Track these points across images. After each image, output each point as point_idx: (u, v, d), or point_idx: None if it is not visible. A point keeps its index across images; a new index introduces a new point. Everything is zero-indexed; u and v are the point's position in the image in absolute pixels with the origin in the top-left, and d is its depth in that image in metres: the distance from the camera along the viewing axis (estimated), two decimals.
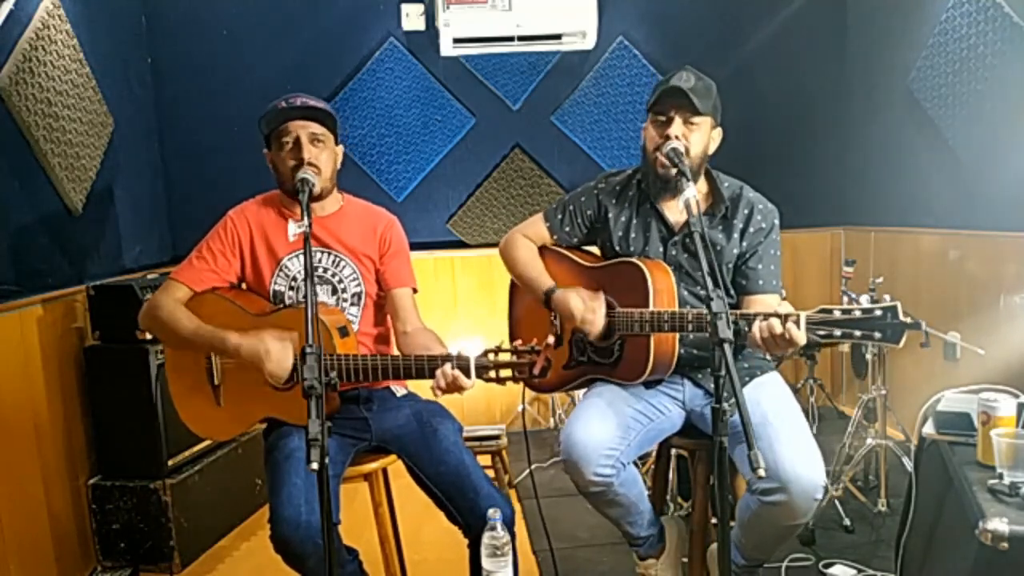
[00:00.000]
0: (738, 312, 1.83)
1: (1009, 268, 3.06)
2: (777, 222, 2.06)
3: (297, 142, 1.97)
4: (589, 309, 1.98)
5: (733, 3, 4.08)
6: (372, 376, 1.86)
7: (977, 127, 3.21)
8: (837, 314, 1.70)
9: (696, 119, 1.95)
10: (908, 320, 1.66)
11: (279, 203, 2.12)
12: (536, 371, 1.76)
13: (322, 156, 2.00)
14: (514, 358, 1.77)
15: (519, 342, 1.80)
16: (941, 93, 3.41)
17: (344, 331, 1.96)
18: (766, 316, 1.76)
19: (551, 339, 1.78)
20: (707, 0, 4.06)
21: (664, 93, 1.95)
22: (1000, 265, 3.11)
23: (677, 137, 1.93)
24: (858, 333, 1.68)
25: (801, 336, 1.71)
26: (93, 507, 2.82)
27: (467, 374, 1.77)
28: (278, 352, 1.86)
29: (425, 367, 1.81)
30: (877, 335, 1.67)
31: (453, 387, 1.78)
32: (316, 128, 2.00)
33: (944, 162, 3.42)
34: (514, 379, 1.79)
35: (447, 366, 1.77)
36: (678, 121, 1.95)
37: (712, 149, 2.04)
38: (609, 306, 2.05)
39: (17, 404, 2.51)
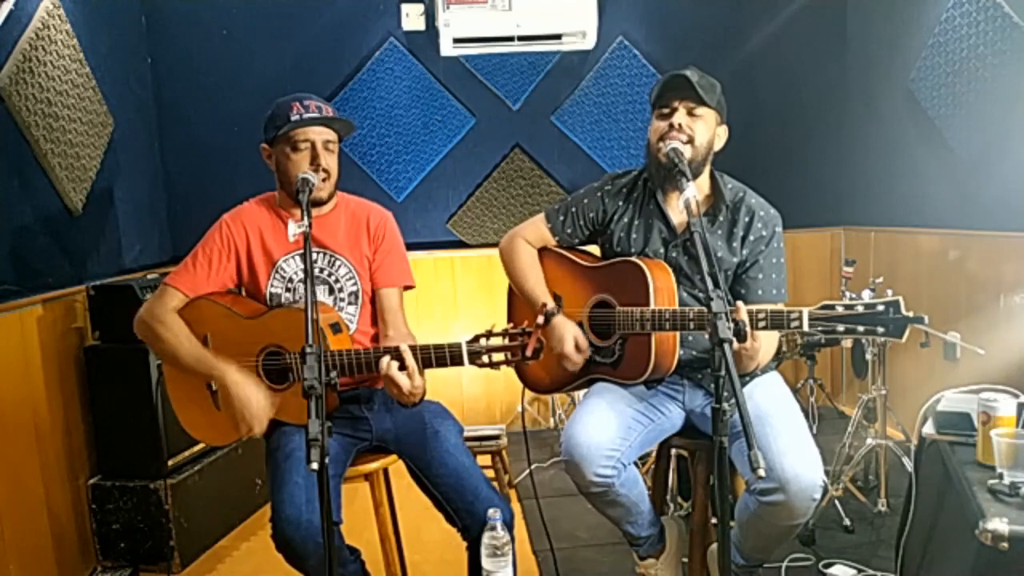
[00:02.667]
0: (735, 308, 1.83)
1: (1009, 268, 3.06)
2: (779, 229, 2.05)
3: (313, 148, 1.98)
4: (574, 356, 2.03)
5: (733, 3, 4.08)
6: (367, 369, 1.86)
7: (977, 127, 3.21)
8: (840, 309, 1.70)
9: (699, 110, 1.95)
10: (911, 314, 1.66)
11: (275, 204, 2.12)
12: (528, 352, 1.75)
13: (333, 163, 2.02)
14: (506, 341, 1.78)
15: (511, 325, 1.80)
16: (941, 93, 3.41)
17: (336, 327, 1.96)
18: (769, 314, 1.77)
19: (540, 319, 1.77)
20: (707, 0, 4.06)
21: (667, 84, 1.95)
22: (1000, 265, 3.11)
23: (680, 126, 1.93)
24: (861, 328, 1.69)
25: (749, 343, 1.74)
26: (93, 507, 2.82)
27: (459, 361, 1.77)
28: (256, 413, 1.90)
29: (418, 358, 1.82)
30: (880, 330, 1.67)
31: (393, 383, 1.79)
32: (330, 136, 2.01)
33: (944, 162, 3.42)
34: (507, 362, 1.79)
35: (387, 362, 1.79)
36: (681, 111, 1.95)
37: (718, 146, 2.03)
38: (609, 305, 2.06)
39: (17, 404, 2.51)
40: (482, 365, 1.78)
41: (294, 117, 1.96)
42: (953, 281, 3.37)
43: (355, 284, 2.11)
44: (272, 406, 1.93)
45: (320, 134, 1.99)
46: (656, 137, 1.98)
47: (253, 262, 2.08)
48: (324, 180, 1.98)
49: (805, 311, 1.73)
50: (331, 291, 2.09)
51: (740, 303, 1.76)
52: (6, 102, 2.56)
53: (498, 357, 1.78)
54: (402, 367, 1.80)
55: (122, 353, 2.76)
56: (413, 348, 1.83)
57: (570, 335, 2.04)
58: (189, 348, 1.97)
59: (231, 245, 2.07)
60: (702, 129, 1.96)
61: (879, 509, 2.87)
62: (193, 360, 1.96)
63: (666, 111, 1.97)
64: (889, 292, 1.73)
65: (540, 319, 1.77)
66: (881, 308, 1.68)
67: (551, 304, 2.09)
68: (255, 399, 1.90)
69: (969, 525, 1.49)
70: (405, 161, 4.04)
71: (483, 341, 1.78)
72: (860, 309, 1.69)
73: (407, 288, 2.18)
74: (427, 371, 1.85)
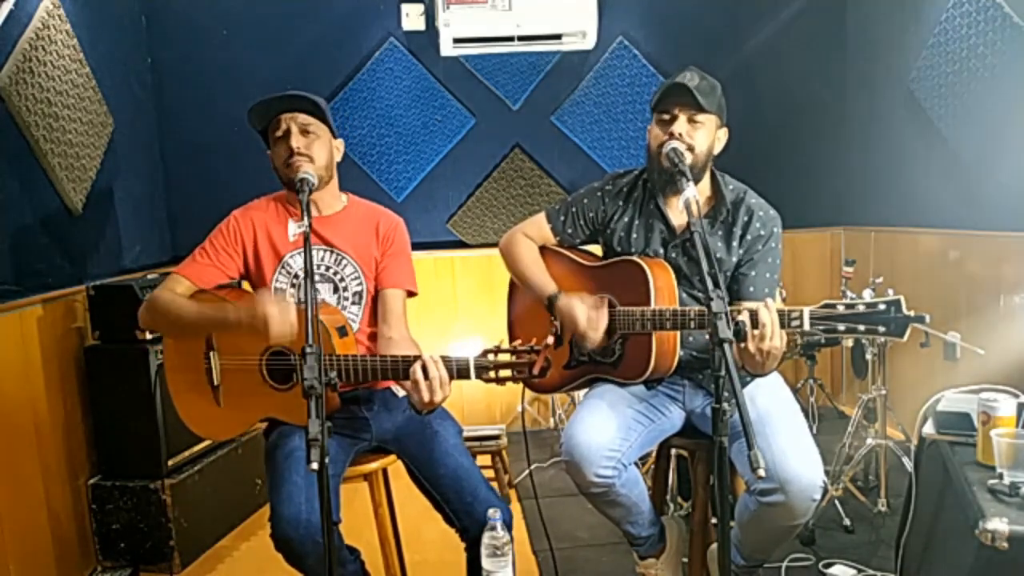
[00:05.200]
0: (739, 308, 1.83)
1: (1009, 268, 3.06)
2: (778, 230, 2.04)
3: (287, 133, 1.98)
4: (592, 325, 1.95)
5: (733, 3, 4.08)
6: (372, 377, 1.86)
7: (977, 127, 3.21)
8: (841, 309, 1.70)
9: (700, 117, 1.94)
10: (912, 314, 1.66)
11: (284, 201, 2.13)
12: (536, 371, 1.74)
13: (313, 146, 2.00)
14: (513, 358, 1.76)
15: (519, 342, 1.79)
16: (941, 93, 3.41)
17: (343, 331, 1.95)
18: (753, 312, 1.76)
19: (550, 339, 1.77)
20: (707, 0, 4.07)
21: (667, 91, 1.95)
22: (1000, 265, 3.11)
23: (680, 135, 1.93)
24: (862, 327, 1.69)
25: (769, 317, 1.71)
26: (93, 507, 2.82)
27: (466, 375, 1.76)
28: (277, 314, 1.80)
29: (452, 370, 1.79)
30: (881, 329, 1.67)
31: (432, 391, 1.74)
32: (304, 118, 2.01)
33: (944, 162, 3.42)
34: (513, 379, 1.77)
35: (431, 370, 1.75)
36: (682, 119, 1.94)
37: (717, 149, 2.03)
38: (610, 305, 2.05)
39: (17, 404, 2.51)
40: (488, 380, 1.76)
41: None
42: (953, 281, 3.37)
43: (360, 284, 2.11)
44: (285, 306, 1.82)
45: (292, 118, 1.99)
46: (656, 144, 1.97)
47: (260, 257, 2.08)
48: (309, 162, 1.97)
49: (806, 310, 1.73)
50: (336, 289, 2.10)
51: (769, 300, 1.76)
52: (6, 102, 2.56)
53: (505, 373, 1.76)
54: (464, 372, 1.76)
55: (122, 353, 2.76)
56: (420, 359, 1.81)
57: (580, 311, 1.96)
58: (192, 307, 1.97)
59: (239, 239, 2.08)
60: (702, 137, 1.96)
61: (879, 509, 2.87)
62: (197, 315, 1.95)
63: (666, 117, 1.96)
64: (890, 292, 1.73)
65: (549, 339, 1.76)
66: (882, 307, 1.68)
67: (555, 290, 2.07)
68: (267, 306, 1.80)
69: (969, 525, 1.49)
70: (405, 161, 4.04)
71: (491, 357, 1.76)
72: (861, 308, 1.69)
73: (410, 295, 2.17)
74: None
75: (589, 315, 1.96)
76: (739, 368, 1.88)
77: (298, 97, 2.00)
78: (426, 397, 1.75)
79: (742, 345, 1.73)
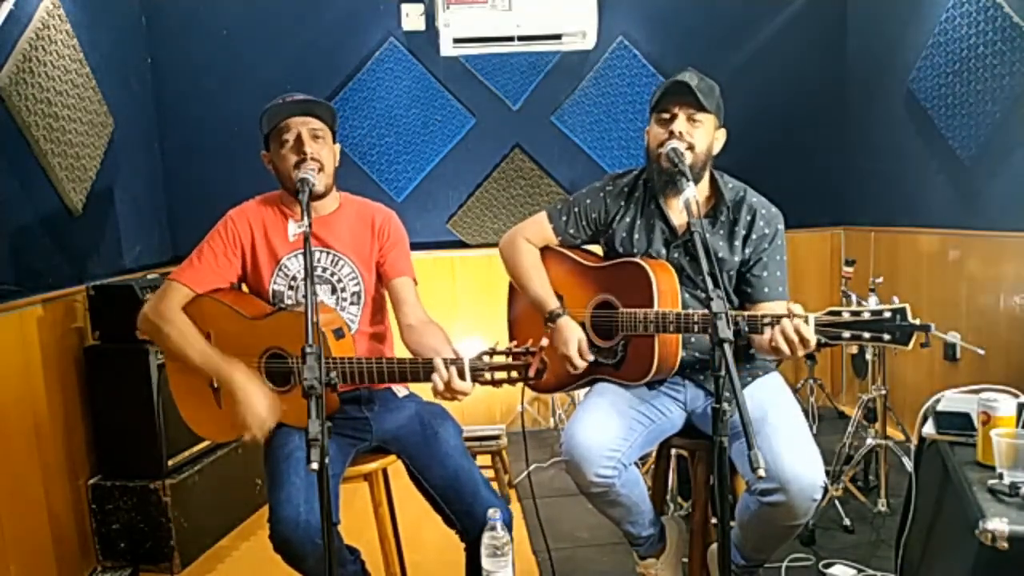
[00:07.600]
0: (745, 313, 1.83)
1: (1009, 268, 3.06)
2: (781, 227, 2.05)
3: (298, 138, 1.98)
4: (582, 355, 2.03)
5: (733, 3, 4.08)
6: (368, 379, 1.85)
7: (977, 127, 3.22)
8: (846, 316, 1.70)
9: (700, 116, 1.95)
10: (917, 322, 1.66)
11: (280, 203, 2.12)
12: (531, 373, 1.74)
13: (323, 151, 2.01)
14: (509, 360, 1.76)
15: (515, 343, 1.79)
16: (941, 93, 3.41)
17: (339, 333, 1.95)
18: (776, 319, 1.76)
19: (545, 341, 1.76)
20: (707, 0, 4.07)
21: (667, 90, 1.95)
22: (1000, 265, 3.11)
23: (681, 134, 1.93)
24: (867, 335, 1.68)
25: (812, 334, 1.71)
26: (93, 507, 2.82)
27: (462, 377, 1.76)
28: (258, 417, 1.87)
29: (420, 370, 1.80)
30: (886, 337, 1.67)
31: (449, 390, 1.76)
32: (316, 124, 2.00)
33: (944, 162, 3.42)
34: (510, 381, 1.77)
35: (443, 367, 1.75)
36: (681, 118, 1.94)
37: (716, 149, 2.03)
38: (612, 306, 2.06)
39: (17, 404, 2.51)
40: (484, 383, 1.76)
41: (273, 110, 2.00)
42: (953, 281, 3.37)
43: (358, 284, 2.11)
44: (276, 413, 1.90)
45: (304, 123, 1.98)
46: (656, 144, 1.98)
47: (257, 259, 2.08)
48: (319, 171, 1.97)
49: (811, 317, 1.73)
50: (333, 291, 2.09)
51: (799, 305, 1.76)
52: (6, 102, 2.56)
53: (500, 376, 1.76)
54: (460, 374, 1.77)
55: (122, 353, 2.76)
56: (415, 362, 1.82)
57: (575, 338, 2.03)
58: (196, 346, 1.96)
59: (236, 241, 2.07)
60: (701, 136, 1.96)
61: (879, 509, 2.87)
62: (200, 358, 1.95)
63: (666, 116, 1.96)
64: (895, 300, 1.73)
65: (544, 340, 1.76)
66: (888, 315, 1.67)
67: (556, 306, 2.09)
68: (259, 404, 1.88)
69: (969, 525, 1.49)
70: (405, 161, 4.04)
71: (486, 359, 1.76)
72: (866, 316, 1.68)
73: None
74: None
75: (581, 346, 2.03)
76: (742, 364, 1.88)
77: (315, 103, 2.00)
78: (447, 398, 1.79)
79: (769, 340, 1.74)
